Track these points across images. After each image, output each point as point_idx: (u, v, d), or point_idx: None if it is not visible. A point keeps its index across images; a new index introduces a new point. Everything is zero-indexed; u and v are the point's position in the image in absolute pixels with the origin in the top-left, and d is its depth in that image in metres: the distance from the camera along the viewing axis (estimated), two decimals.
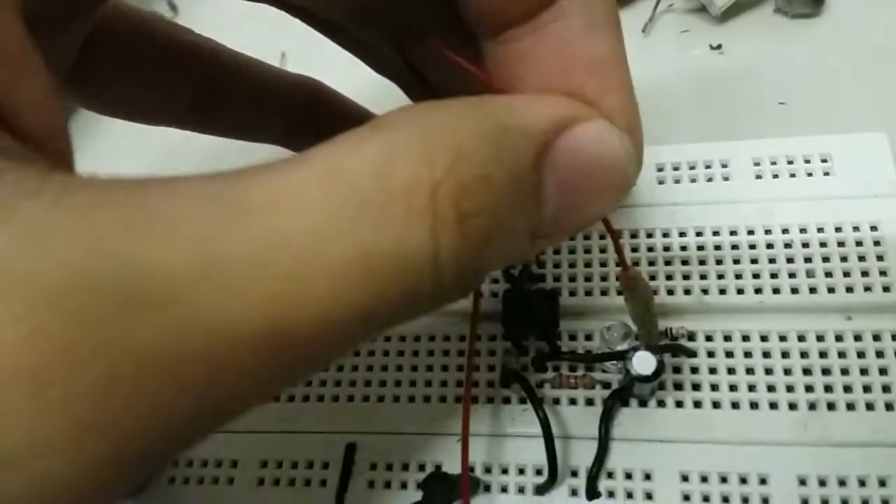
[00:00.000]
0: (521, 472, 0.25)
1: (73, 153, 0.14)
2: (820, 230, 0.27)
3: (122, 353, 0.10)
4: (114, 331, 0.10)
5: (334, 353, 0.13)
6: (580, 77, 0.16)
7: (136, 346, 0.10)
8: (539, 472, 0.25)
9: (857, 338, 0.25)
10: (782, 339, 0.25)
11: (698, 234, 0.28)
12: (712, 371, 0.25)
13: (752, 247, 0.27)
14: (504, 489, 0.25)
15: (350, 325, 0.12)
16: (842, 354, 0.25)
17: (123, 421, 0.10)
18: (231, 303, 0.11)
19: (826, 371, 0.25)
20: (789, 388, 0.25)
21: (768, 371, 0.25)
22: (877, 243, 0.26)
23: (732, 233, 0.28)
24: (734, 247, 0.27)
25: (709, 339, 0.26)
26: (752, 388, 0.25)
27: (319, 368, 0.12)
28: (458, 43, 0.18)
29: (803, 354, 0.25)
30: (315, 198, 0.11)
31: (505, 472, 0.25)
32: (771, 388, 0.25)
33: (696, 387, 0.25)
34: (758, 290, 0.26)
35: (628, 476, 0.24)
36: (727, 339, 0.26)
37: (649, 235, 0.28)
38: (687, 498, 0.24)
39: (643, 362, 0.23)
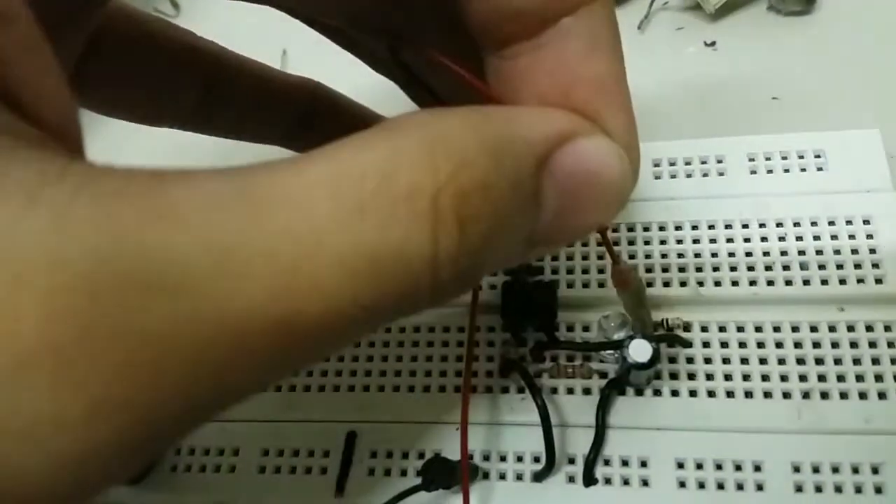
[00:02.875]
0: (520, 459, 0.25)
1: (84, 144, 0.15)
2: (814, 224, 0.28)
3: (140, 336, 0.10)
4: (133, 315, 0.10)
5: (337, 345, 0.13)
6: (581, 96, 0.17)
7: (153, 329, 0.10)
8: (537, 460, 0.25)
9: (850, 328, 0.26)
10: (776, 329, 0.26)
11: (694, 227, 0.28)
12: (707, 361, 0.26)
13: (747, 240, 0.28)
14: (503, 476, 0.25)
15: (353, 318, 0.12)
16: (835, 345, 0.25)
17: (140, 402, 0.11)
18: (243, 293, 0.11)
19: (819, 361, 0.25)
20: (783, 378, 0.25)
21: (763, 361, 0.25)
22: (869, 237, 0.27)
23: (727, 226, 0.28)
24: (729, 240, 0.28)
25: (704, 329, 0.26)
26: (746, 377, 0.25)
27: (322, 358, 0.13)
28: (459, 53, 0.18)
29: (797, 345, 0.26)
30: (323, 196, 0.12)
31: (503, 459, 0.25)
32: (765, 378, 0.25)
33: (691, 376, 0.26)
34: (752, 283, 0.27)
35: (625, 463, 0.25)
36: (722, 329, 0.26)
37: (646, 229, 0.29)
38: (683, 484, 0.24)
39: (639, 350, 0.24)
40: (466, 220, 0.13)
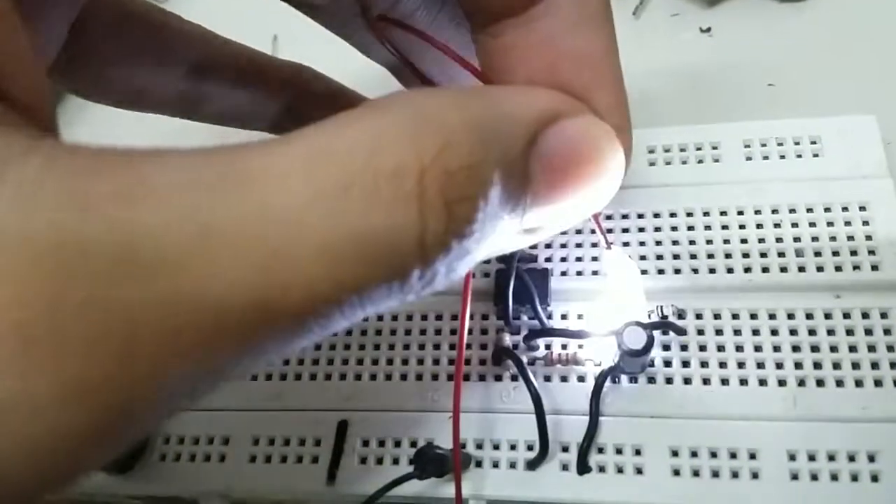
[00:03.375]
0: (513, 447, 0.25)
1: (57, 124, 0.14)
2: (809, 210, 0.27)
3: (108, 312, 0.10)
4: (100, 290, 0.10)
5: (323, 329, 0.13)
6: (569, 72, 0.16)
7: (124, 307, 0.10)
8: (530, 448, 0.25)
9: (846, 315, 0.25)
10: (771, 316, 0.26)
11: (689, 214, 0.28)
12: (702, 348, 0.26)
13: (742, 227, 0.28)
14: (496, 464, 0.25)
15: (338, 302, 0.12)
16: (831, 332, 0.25)
17: (113, 382, 0.10)
18: (221, 273, 0.11)
19: (815, 348, 0.25)
20: (779, 365, 0.25)
21: (757, 348, 0.25)
22: (865, 223, 0.27)
23: (722, 213, 0.28)
24: (724, 227, 0.28)
25: (699, 317, 0.26)
26: (741, 364, 0.25)
27: (309, 342, 0.13)
28: (448, 33, 0.18)
29: (792, 332, 0.25)
30: (303, 177, 0.11)
31: (497, 447, 0.25)
32: (760, 365, 0.25)
33: (685, 364, 0.25)
34: (747, 270, 0.27)
35: (619, 451, 0.24)
36: (717, 317, 0.26)
37: (640, 216, 0.29)
38: (677, 472, 0.24)
39: (634, 337, 0.23)
40: (453, 200, 0.12)
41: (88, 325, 0.10)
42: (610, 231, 0.28)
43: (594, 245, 0.28)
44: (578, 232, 0.29)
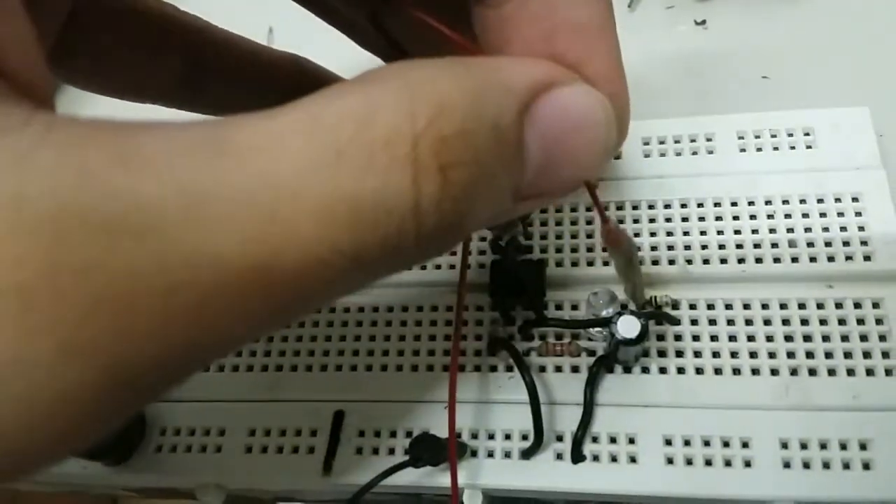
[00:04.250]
0: (508, 437, 0.25)
1: (54, 100, 0.14)
2: (802, 201, 0.28)
3: (105, 277, 0.10)
4: (96, 255, 0.10)
5: (321, 298, 0.13)
6: (564, 42, 0.16)
7: (120, 270, 0.10)
8: (525, 437, 0.25)
9: (839, 305, 0.26)
10: (764, 306, 0.26)
11: (683, 205, 0.28)
12: (695, 338, 0.26)
13: (736, 217, 0.28)
14: (491, 454, 0.25)
15: (334, 266, 0.12)
16: (823, 322, 0.25)
17: (110, 345, 0.10)
18: (216, 238, 0.11)
19: (807, 338, 0.25)
20: (771, 355, 0.25)
21: (751, 338, 0.25)
22: (858, 214, 0.27)
23: (716, 204, 0.28)
24: (718, 218, 0.28)
25: (692, 307, 0.26)
26: (734, 354, 0.25)
27: (307, 312, 0.13)
28: (444, 15, 0.18)
29: (785, 322, 0.26)
30: (297, 143, 0.12)
31: (491, 437, 0.25)
32: (753, 355, 0.25)
33: (679, 353, 0.26)
34: (741, 260, 0.27)
35: (613, 440, 0.25)
36: (710, 307, 0.26)
37: (635, 207, 0.29)
38: (671, 461, 0.24)
39: (628, 326, 0.23)
40: (447, 165, 0.13)
41: (88, 288, 0.10)
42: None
43: (589, 236, 0.28)
44: (574, 223, 0.29)
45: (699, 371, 0.25)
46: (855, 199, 0.27)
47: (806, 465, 0.23)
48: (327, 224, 0.12)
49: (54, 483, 0.32)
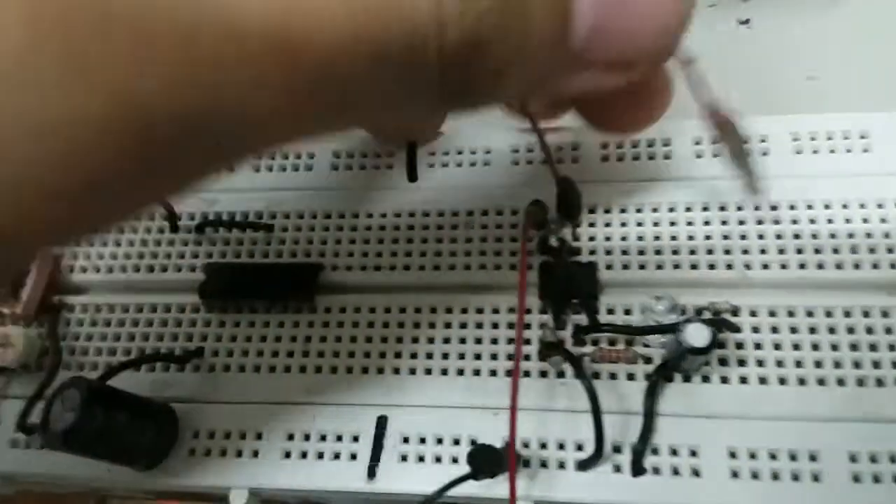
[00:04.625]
0: (561, 447, 0.24)
1: None
2: (862, 206, 0.27)
3: (126, 22, 0.10)
4: (126, 8, 0.10)
5: (337, 91, 0.13)
6: None
7: (138, 15, 0.10)
8: (580, 448, 0.24)
9: None
10: (828, 314, 0.25)
11: (739, 208, 0.27)
12: (758, 346, 0.25)
13: (795, 222, 0.27)
14: (544, 464, 0.24)
15: (355, 57, 0.12)
16: (888, 330, 0.25)
17: (121, 73, 0.10)
18: (244, 4, 0.11)
19: (873, 347, 0.24)
20: (837, 364, 0.24)
21: (815, 347, 0.25)
22: None
23: (773, 208, 0.27)
24: (775, 221, 0.27)
25: (753, 314, 0.25)
26: (798, 363, 0.24)
27: (325, 114, 0.13)
28: None
29: (849, 330, 0.25)
30: None
31: (544, 446, 0.24)
32: (818, 364, 0.24)
33: (741, 362, 0.25)
34: (801, 266, 0.26)
35: (674, 452, 0.24)
36: (772, 314, 0.25)
37: (688, 209, 0.28)
38: (736, 475, 0.23)
39: (697, 334, 0.22)
40: None
41: (106, 31, 0.10)
42: (656, 224, 0.27)
43: (640, 238, 0.27)
44: (623, 225, 0.28)
45: (763, 381, 0.24)
46: None
47: (876, 480, 0.22)
48: (349, 10, 0.12)
49: (68, 486, 0.31)
